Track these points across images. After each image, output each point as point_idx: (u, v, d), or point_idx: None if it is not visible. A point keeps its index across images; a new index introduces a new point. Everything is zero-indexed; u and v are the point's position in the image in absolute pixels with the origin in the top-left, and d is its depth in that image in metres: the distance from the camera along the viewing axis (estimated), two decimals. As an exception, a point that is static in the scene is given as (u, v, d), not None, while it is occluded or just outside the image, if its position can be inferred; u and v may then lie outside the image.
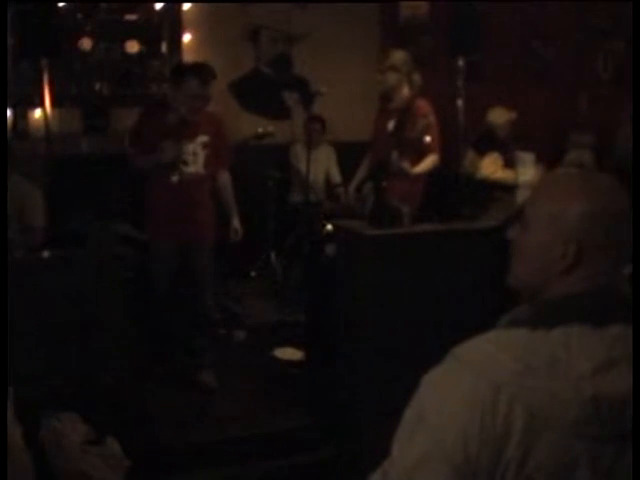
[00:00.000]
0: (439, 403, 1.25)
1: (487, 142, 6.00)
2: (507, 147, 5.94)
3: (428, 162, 4.62)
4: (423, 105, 4.67)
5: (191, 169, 4.35)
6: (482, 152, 5.95)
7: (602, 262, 1.31)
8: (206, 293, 4.52)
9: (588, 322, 1.25)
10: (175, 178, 4.32)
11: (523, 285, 1.39)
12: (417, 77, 4.85)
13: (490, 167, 5.91)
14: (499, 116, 6.08)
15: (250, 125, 6.47)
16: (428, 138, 4.44)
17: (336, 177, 6.81)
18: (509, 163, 5.83)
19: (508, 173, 5.72)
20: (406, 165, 4.47)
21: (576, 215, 1.30)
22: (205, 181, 4.44)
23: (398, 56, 4.75)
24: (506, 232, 1.44)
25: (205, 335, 4.61)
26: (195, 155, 4.34)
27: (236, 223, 4.73)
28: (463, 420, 1.21)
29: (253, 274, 6.46)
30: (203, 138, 4.36)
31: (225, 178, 4.63)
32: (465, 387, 1.23)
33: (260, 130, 6.10)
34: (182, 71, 4.49)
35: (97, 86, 6.63)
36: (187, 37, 6.76)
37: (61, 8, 6.23)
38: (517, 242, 1.40)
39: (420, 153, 4.60)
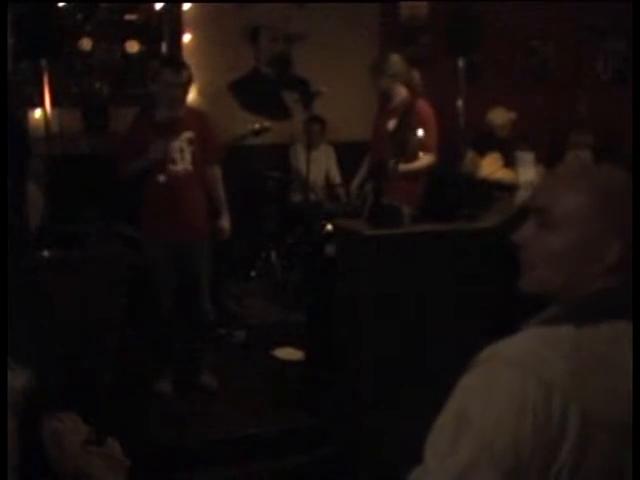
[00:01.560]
0: (484, 406, 1.16)
1: (487, 142, 6.00)
2: (507, 147, 5.95)
3: (423, 161, 4.60)
4: (424, 106, 4.65)
5: (179, 167, 4.30)
6: (482, 152, 5.96)
7: (630, 255, 1.25)
8: (203, 293, 4.46)
9: (627, 316, 1.20)
10: (162, 178, 4.28)
11: (548, 288, 1.30)
12: (416, 75, 4.83)
13: (490, 167, 5.91)
14: (499, 116, 6.08)
15: (250, 125, 6.47)
16: (421, 154, 4.40)
17: (336, 177, 6.81)
18: (509, 163, 5.83)
19: (508, 173, 5.72)
20: (402, 167, 4.44)
21: (615, 208, 1.23)
22: (194, 178, 4.36)
23: (393, 60, 4.76)
24: (510, 236, 1.35)
25: (203, 336, 4.60)
26: (182, 152, 4.30)
27: (224, 222, 4.57)
28: (513, 422, 1.13)
29: (253, 274, 6.46)
30: (188, 134, 4.32)
31: (215, 173, 4.53)
32: (513, 387, 1.15)
33: (257, 126, 6.08)
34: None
35: (97, 86, 6.63)
36: (187, 37, 6.76)
37: (61, 8, 6.23)
38: (537, 244, 1.30)
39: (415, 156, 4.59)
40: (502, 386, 1.15)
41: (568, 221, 1.26)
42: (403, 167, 4.47)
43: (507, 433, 1.13)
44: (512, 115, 6.05)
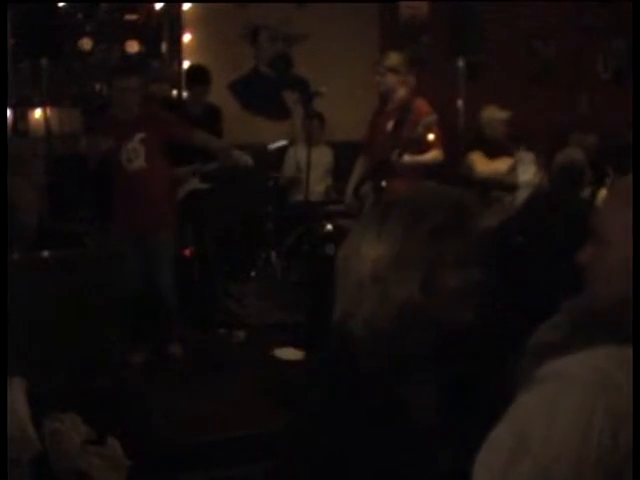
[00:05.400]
0: (545, 430, 1.04)
1: (476, 140, 6.03)
2: (495, 145, 5.97)
3: (430, 155, 4.68)
4: (422, 104, 4.70)
5: (135, 165, 4.71)
6: (469, 150, 5.99)
7: None
8: (165, 277, 4.88)
9: None
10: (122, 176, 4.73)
11: (609, 306, 1.23)
12: (411, 79, 4.90)
13: (476, 163, 5.94)
14: (489, 114, 6.08)
15: (250, 125, 6.48)
16: (431, 136, 4.47)
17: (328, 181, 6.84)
18: (494, 156, 5.87)
19: (494, 166, 5.77)
20: (406, 158, 4.49)
21: None
22: (151, 173, 4.74)
23: (396, 58, 4.82)
24: (576, 257, 1.29)
25: (169, 313, 4.97)
26: (135, 151, 4.71)
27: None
28: (575, 450, 1.01)
29: (253, 274, 6.47)
30: (140, 135, 4.71)
31: (200, 137, 4.94)
32: (579, 411, 1.03)
33: (272, 147, 6.19)
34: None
35: (97, 86, 6.63)
36: (187, 37, 6.76)
37: (61, 8, 6.22)
38: (594, 262, 1.26)
39: (422, 151, 4.64)
40: (566, 409, 1.03)
41: (617, 236, 1.22)
42: (410, 159, 4.52)
43: (568, 462, 1.01)
44: (503, 114, 6.05)
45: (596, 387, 1.03)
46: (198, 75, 5.71)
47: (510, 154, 5.90)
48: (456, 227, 1.36)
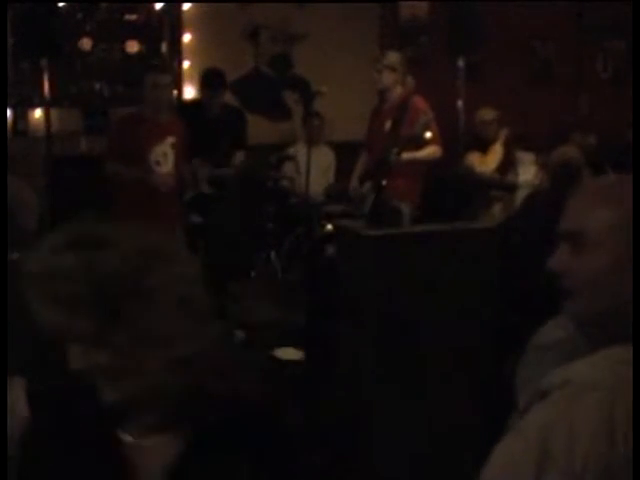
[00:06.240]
0: (568, 439, 1.02)
1: (473, 140, 6.06)
2: (488, 144, 6.01)
3: (429, 151, 4.69)
4: (420, 101, 4.72)
5: (163, 169, 4.64)
6: (467, 150, 6.03)
7: None
8: None
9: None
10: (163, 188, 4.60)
11: (595, 316, 1.16)
12: (410, 80, 4.92)
13: (474, 163, 5.99)
14: (481, 115, 6.11)
15: (250, 125, 6.46)
16: (429, 134, 4.48)
17: (331, 179, 6.85)
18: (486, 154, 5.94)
19: (485, 165, 5.82)
20: (405, 155, 4.50)
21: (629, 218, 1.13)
22: (175, 179, 4.75)
23: (394, 56, 4.86)
24: (547, 264, 1.23)
25: None
26: (165, 156, 4.64)
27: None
28: (604, 454, 1.01)
29: (253, 274, 6.47)
30: (172, 139, 4.65)
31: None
32: (599, 415, 1.03)
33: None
34: None
35: (97, 86, 6.64)
36: (187, 37, 6.77)
37: (61, 8, 6.23)
38: (573, 270, 1.19)
39: (420, 148, 4.65)
40: (585, 415, 1.03)
41: (601, 238, 1.15)
42: (407, 155, 4.53)
43: (597, 468, 1.00)
44: (492, 114, 6.06)
45: (612, 389, 1.03)
46: (215, 79, 5.49)
47: (495, 141, 5.96)
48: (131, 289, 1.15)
